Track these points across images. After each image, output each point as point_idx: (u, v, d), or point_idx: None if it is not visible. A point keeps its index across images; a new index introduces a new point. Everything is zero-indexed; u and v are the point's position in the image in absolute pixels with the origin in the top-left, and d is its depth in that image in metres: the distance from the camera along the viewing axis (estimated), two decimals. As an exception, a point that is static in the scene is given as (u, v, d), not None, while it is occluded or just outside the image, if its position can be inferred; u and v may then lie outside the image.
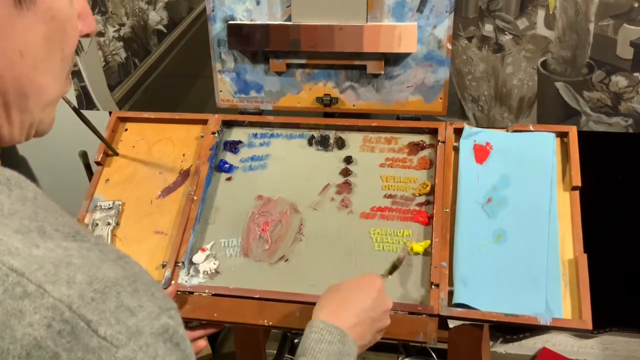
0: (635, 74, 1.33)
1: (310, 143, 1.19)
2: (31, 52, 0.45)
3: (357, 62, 1.18)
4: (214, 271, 1.05)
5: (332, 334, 0.73)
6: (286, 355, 1.78)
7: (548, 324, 0.92)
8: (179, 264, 1.05)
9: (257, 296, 1.00)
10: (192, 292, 1.02)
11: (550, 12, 1.32)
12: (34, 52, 0.46)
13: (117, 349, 0.38)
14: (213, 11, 1.20)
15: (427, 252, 1.02)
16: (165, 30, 1.59)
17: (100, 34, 1.60)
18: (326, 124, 1.19)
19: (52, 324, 0.37)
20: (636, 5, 1.27)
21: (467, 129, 1.11)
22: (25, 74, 0.46)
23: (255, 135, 1.22)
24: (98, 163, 1.21)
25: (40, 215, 0.43)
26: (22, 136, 0.50)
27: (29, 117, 0.49)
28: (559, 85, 1.39)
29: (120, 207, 1.15)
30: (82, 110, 1.09)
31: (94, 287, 0.39)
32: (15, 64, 0.45)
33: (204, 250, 1.07)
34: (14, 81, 0.45)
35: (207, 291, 1.02)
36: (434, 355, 1.71)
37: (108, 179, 1.19)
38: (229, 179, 1.17)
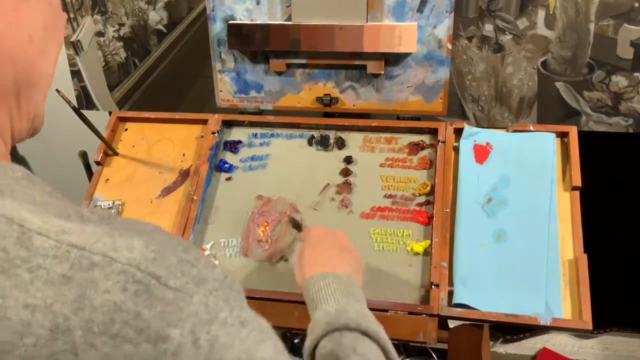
0: (636, 74, 1.33)
1: (310, 143, 1.19)
2: (37, 37, 0.47)
3: (357, 62, 1.18)
4: (213, 271, 1.04)
5: (323, 279, 0.77)
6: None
7: (548, 324, 0.92)
8: (179, 264, 1.04)
9: (257, 296, 0.99)
10: (192, 292, 1.02)
11: (551, 12, 1.32)
12: (39, 37, 0.47)
13: (192, 297, 0.40)
14: (213, 11, 1.20)
15: (427, 252, 1.02)
16: (165, 30, 1.58)
17: (100, 34, 1.60)
18: (326, 124, 1.19)
19: (127, 286, 0.39)
20: (636, 5, 1.27)
21: (467, 129, 1.11)
22: (33, 60, 0.47)
23: (255, 135, 1.22)
24: (98, 163, 1.21)
25: (68, 204, 0.45)
26: (25, 131, 0.51)
27: (34, 108, 0.50)
28: (559, 85, 1.39)
29: (120, 207, 1.15)
30: (82, 110, 1.09)
31: (152, 249, 0.41)
32: (26, 49, 0.46)
33: (203, 250, 1.07)
34: (25, 66, 0.46)
35: (207, 291, 1.01)
36: (434, 355, 1.71)
37: (108, 179, 1.19)
38: (228, 178, 1.17)
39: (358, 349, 0.67)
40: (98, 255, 0.40)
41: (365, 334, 0.69)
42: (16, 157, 1.90)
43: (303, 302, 0.98)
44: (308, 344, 0.71)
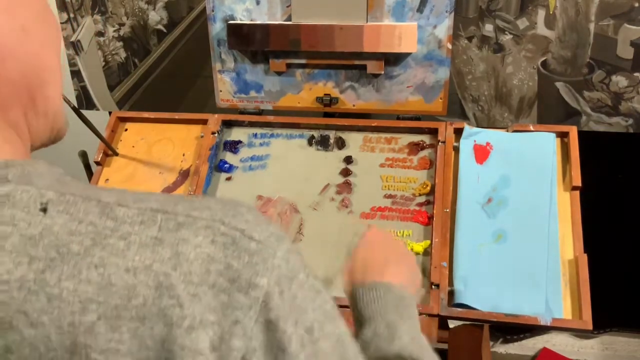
0: (636, 74, 1.33)
1: (310, 143, 1.19)
2: (32, 27, 0.47)
3: (357, 62, 1.18)
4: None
5: (374, 289, 0.70)
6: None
7: (548, 324, 0.92)
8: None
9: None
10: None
11: (551, 12, 1.32)
12: (35, 28, 0.47)
13: (275, 250, 0.42)
14: (213, 11, 1.20)
15: (427, 252, 1.02)
16: (165, 30, 1.58)
17: (100, 33, 1.60)
18: (326, 124, 1.19)
19: (215, 239, 0.41)
20: (636, 5, 1.27)
21: (467, 129, 1.11)
22: (35, 52, 0.47)
23: (255, 135, 1.21)
24: (98, 163, 1.21)
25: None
26: (46, 131, 0.51)
27: (51, 105, 0.50)
28: (559, 85, 1.39)
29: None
30: (81, 110, 1.08)
31: (227, 207, 0.43)
32: (23, 40, 0.46)
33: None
34: (29, 59, 0.47)
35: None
36: (434, 355, 1.71)
37: (108, 179, 1.19)
38: (228, 178, 1.17)
39: None
40: (182, 215, 0.42)
41: None
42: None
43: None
44: None
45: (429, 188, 1.08)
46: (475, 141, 1.10)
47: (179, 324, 0.39)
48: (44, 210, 0.41)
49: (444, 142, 1.11)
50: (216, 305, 0.40)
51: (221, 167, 1.17)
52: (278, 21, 1.18)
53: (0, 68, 0.44)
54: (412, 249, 1.02)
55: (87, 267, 0.40)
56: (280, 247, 0.42)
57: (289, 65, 1.21)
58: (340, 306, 0.48)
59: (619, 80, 1.34)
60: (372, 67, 1.18)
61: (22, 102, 0.47)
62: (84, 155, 1.34)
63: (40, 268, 0.40)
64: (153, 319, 0.39)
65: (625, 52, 1.31)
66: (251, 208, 0.45)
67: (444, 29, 1.14)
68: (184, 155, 1.20)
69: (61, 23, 1.59)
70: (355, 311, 0.71)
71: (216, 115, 1.22)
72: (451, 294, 0.96)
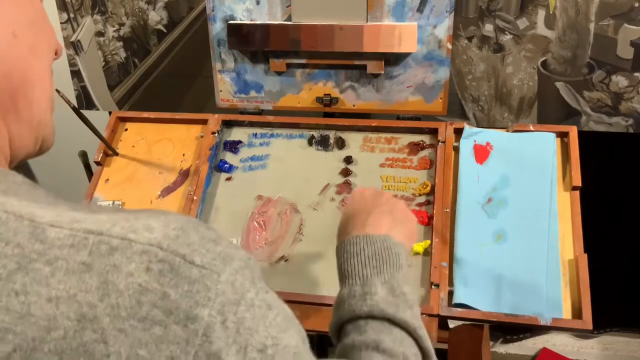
0: (636, 74, 1.33)
1: (310, 143, 1.19)
2: (22, 33, 0.46)
3: (357, 62, 1.18)
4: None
5: (355, 243, 0.66)
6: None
7: (548, 324, 0.92)
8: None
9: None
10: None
11: (551, 12, 1.32)
12: (25, 34, 0.47)
13: (219, 275, 0.39)
14: (213, 11, 1.20)
15: (427, 252, 1.02)
16: (165, 30, 1.58)
17: (100, 33, 1.60)
18: (326, 124, 1.19)
19: (150, 266, 0.38)
20: (636, 5, 1.27)
21: (468, 129, 1.11)
22: (23, 56, 0.46)
23: (255, 135, 1.21)
24: (98, 163, 1.21)
25: (73, 203, 0.44)
26: (30, 139, 0.49)
27: (36, 111, 0.49)
28: (559, 85, 1.39)
29: (120, 207, 1.14)
30: (81, 111, 1.08)
31: (172, 227, 0.40)
32: (12, 44, 0.45)
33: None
34: (16, 62, 0.46)
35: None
36: (434, 355, 1.71)
37: (108, 179, 1.19)
38: (228, 178, 1.17)
39: (382, 344, 0.57)
40: (116, 238, 0.39)
41: (393, 322, 0.59)
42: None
43: (303, 302, 0.98)
44: (333, 322, 0.63)
45: (429, 188, 1.08)
46: (475, 141, 1.10)
47: None
48: None
49: (444, 142, 1.11)
50: (148, 339, 0.37)
51: (221, 167, 1.17)
52: (278, 21, 1.18)
53: None
54: (412, 249, 1.02)
55: (7, 293, 0.37)
56: (226, 269, 0.39)
57: (289, 65, 1.21)
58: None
59: (619, 80, 1.34)
60: (372, 67, 1.18)
61: (3, 105, 0.46)
62: (84, 155, 1.34)
63: None
64: (72, 354, 0.37)
65: (625, 52, 1.31)
66: (200, 225, 0.41)
67: (444, 29, 1.14)
68: (184, 155, 1.20)
69: (61, 23, 1.59)
70: (338, 270, 0.67)
71: (216, 115, 1.22)
72: (451, 294, 0.96)
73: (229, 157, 1.19)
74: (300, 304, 0.98)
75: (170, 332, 0.37)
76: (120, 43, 1.61)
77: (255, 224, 1.09)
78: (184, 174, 1.18)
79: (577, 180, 1.03)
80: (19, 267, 0.38)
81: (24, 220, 0.39)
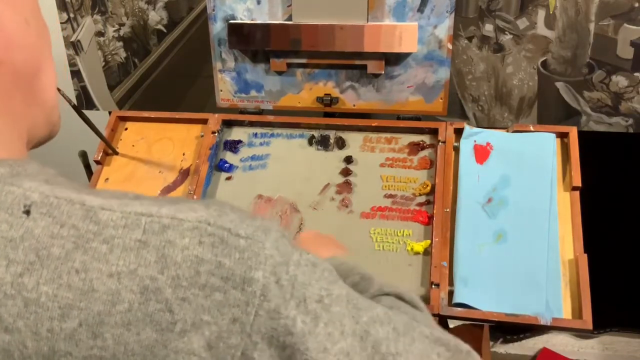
0: (636, 74, 1.33)
1: (310, 143, 1.19)
2: (31, 19, 0.48)
3: (357, 62, 1.18)
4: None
5: None
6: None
7: (548, 324, 0.92)
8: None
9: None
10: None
11: (551, 12, 1.32)
12: (33, 20, 0.49)
13: (263, 243, 0.42)
14: (214, 10, 1.20)
15: (427, 252, 1.02)
16: (165, 30, 1.58)
17: (100, 33, 1.60)
18: (326, 124, 1.19)
19: (202, 240, 0.41)
20: (636, 5, 1.27)
21: (468, 129, 1.11)
22: (35, 42, 0.48)
23: (256, 134, 1.22)
24: (98, 162, 1.21)
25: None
26: (43, 125, 0.51)
27: (49, 96, 0.51)
28: (559, 85, 1.39)
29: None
30: (82, 110, 1.08)
31: (213, 208, 0.43)
32: (26, 31, 0.47)
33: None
34: (29, 49, 0.48)
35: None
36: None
37: (107, 178, 1.19)
38: (228, 178, 1.17)
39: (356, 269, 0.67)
40: (166, 218, 0.41)
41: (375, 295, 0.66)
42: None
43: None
44: None
45: (429, 188, 1.08)
46: (475, 141, 1.10)
47: (170, 328, 0.39)
48: (27, 212, 0.41)
49: (444, 142, 1.11)
50: (210, 305, 0.40)
51: (221, 166, 1.17)
52: (279, 21, 1.18)
53: (8, 55, 0.45)
54: (412, 249, 1.02)
55: (67, 272, 0.39)
56: (268, 238, 0.42)
57: (289, 65, 1.21)
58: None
59: (619, 80, 1.34)
60: (372, 67, 1.18)
61: (22, 90, 0.48)
62: (84, 156, 1.34)
63: (19, 271, 0.39)
64: (139, 324, 0.39)
65: (625, 52, 1.31)
66: (234, 207, 0.45)
67: (444, 29, 1.14)
68: (184, 154, 1.20)
69: (61, 23, 1.59)
70: None
71: (216, 115, 1.22)
72: (451, 293, 0.96)
73: (229, 157, 1.19)
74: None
75: (230, 296, 0.40)
76: (120, 43, 1.61)
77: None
78: (184, 173, 1.18)
79: (577, 181, 1.03)
80: (76, 246, 0.40)
81: (75, 204, 0.41)
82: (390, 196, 1.10)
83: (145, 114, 1.26)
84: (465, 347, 0.52)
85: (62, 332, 0.38)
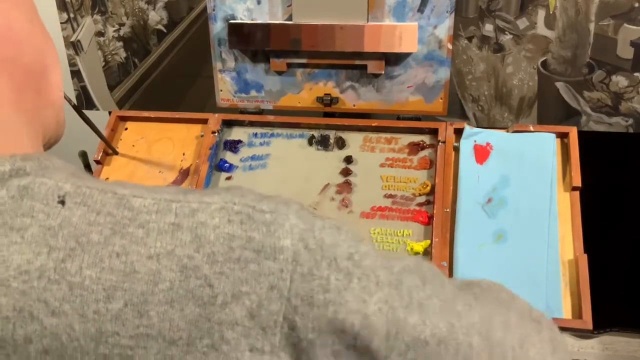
0: (636, 74, 1.33)
1: (310, 143, 1.19)
2: (35, 19, 0.50)
3: (357, 62, 1.18)
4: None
5: None
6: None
7: (548, 324, 0.92)
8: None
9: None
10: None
11: (551, 12, 1.32)
12: (36, 19, 0.50)
13: (286, 215, 0.45)
14: (214, 10, 1.20)
15: (427, 252, 1.02)
16: (165, 30, 1.58)
17: (100, 34, 1.60)
18: (326, 124, 1.19)
19: (231, 218, 0.43)
20: (636, 5, 1.27)
21: (468, 129, 1.11)
22: (40, 41, 0.50)
23: (256, 134, 1.22)
24: (98, 162, 1.21)
25: None
26: (54, 123, 0.52)
27: (57, 95, 0.52)
28: (559, 85, 1.39)
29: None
30: (82, 110, 1.08)
31: (232, 192, 0.46)
32: (31, 31, 0.49)
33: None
34: (36, 48, 0.49)
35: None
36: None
37: (107, 178, 1.19)
38: (228, 178, 1.17)
39: None
40: (195, 202, 0.44)
41: None
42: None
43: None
44: None
45: (429, 188, 1.08)
46: (475, 141, 1.10)
47: (212, 302, 0.41)
48: (62, 202, 0.42)
49: (444, 142, 1.11)
50: (247, 276, 0.42)
51: (221, 166, 1.17)
52: (279, 21, 1.18)
53: (18, 53, 0.46)
54: (412, 249, 1.02)
55: (108, 255, 0.41)
56: (290, 211, 0.45)
57: (289, 65, 1.21)
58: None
59: (619, 80, 1.34)
60: (372, 67, 1.18)
61: (34, 88, 0.49)
62: (84, 156, 1.34)
63: (61, 257, 0.40)
64: (182, 300, 0.40)
65: (625, 52, 1.31)
66: (251, 189, 0.48)
67: (444, 29, 1.14)
68: (184, 154, 1.20)
69: (61, 23, 1.59)
70: None
71: (216, 115, 1.22)
72: (451, 293, 0.96)
73: (229, 157, 1.19)
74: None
75: (264, 266, 0.42)
76: (120, 43, 1.61)
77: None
78: (184, 173, 1.18)
79: (577, 181, 1.03)
80: (114, 232, 0.42)
81: (107, 193, 0.43)
82: (390, 196, 1.10)
83: (145, 113, 1.26)
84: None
85: (108, 313, 0.40)
